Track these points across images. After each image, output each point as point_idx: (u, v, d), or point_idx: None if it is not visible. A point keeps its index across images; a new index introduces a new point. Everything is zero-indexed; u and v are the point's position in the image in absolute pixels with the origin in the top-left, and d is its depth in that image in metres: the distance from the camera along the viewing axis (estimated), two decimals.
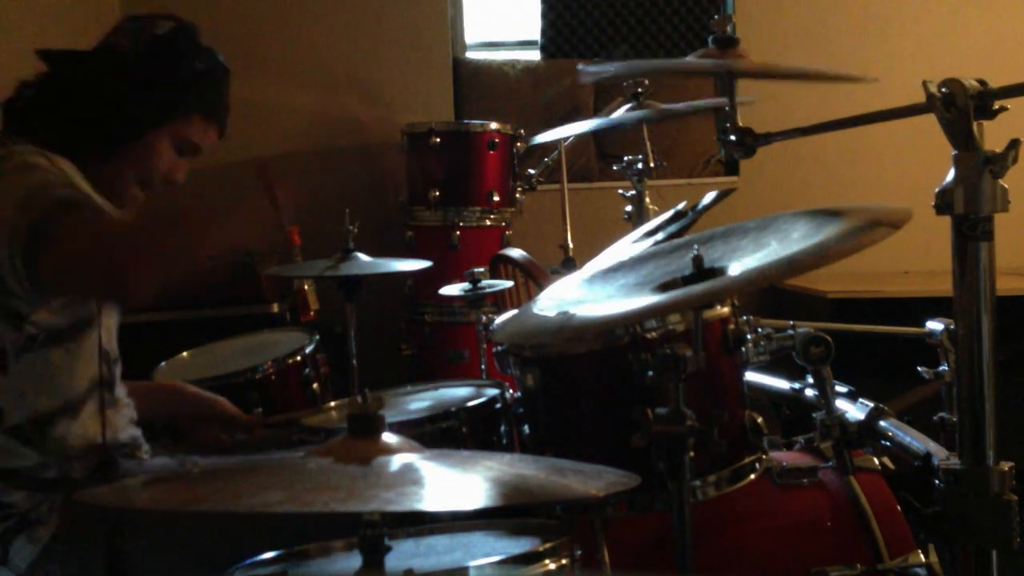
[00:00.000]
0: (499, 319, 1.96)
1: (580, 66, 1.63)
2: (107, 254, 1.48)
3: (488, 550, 1.29)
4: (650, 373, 1.32)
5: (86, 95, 1.69)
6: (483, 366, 2.39)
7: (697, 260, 1.46)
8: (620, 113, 2.63)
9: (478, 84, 4.20)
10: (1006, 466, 1.31)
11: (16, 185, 1.53)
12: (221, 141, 1.85)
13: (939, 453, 1.47)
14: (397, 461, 1.00)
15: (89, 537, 1.61)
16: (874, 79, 1.58)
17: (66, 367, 1.64)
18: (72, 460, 1.65)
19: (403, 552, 1.28)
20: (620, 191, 2.66)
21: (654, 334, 1.47)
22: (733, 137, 1.55)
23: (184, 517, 1.62)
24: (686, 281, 1.46)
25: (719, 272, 1.44)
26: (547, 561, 1.20)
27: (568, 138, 3.18)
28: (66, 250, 1.47)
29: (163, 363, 2.44)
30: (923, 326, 1.69)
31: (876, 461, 1.69)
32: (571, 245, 3.00)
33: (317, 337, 2.48)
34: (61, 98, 1.69)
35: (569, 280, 1.67)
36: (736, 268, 1.42)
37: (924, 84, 1.27)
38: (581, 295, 1.57)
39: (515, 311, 1.59)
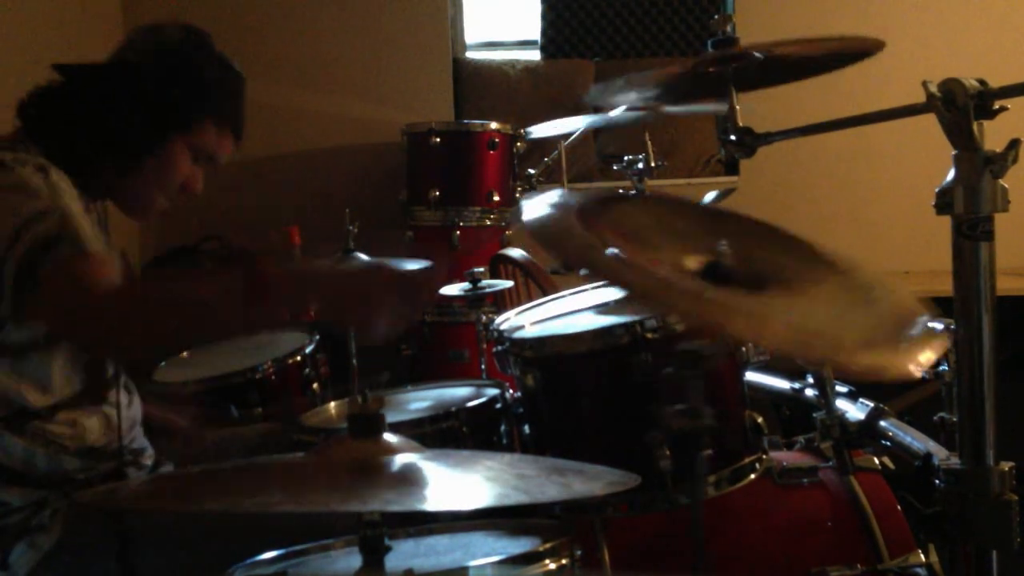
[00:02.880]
0: (502, 318, 1.96)
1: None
2: (90, 304, 1.47)
3: (488, 550, 1.29)
4: (668, 369, 1.30)
5: (102, 109, 1.68)
6: (483, 366, 2.39)
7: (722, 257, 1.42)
8: (619, 112, 2.63)
9: (478, 84, 4.20)
10: (1006, 466, 1.31)
11: (3, 210, 1.52)
12: (216, 164, 1.84)
13: (939, 453, 1.47)
14: (397, 461, 1.00)
15: (92, 549, 1.60)
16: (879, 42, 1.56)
17: (50, 370, 1.62)
18: (63, 454, 1.64)
19: (403, 552, 1.28)
20: (620, 191, 2.66)
21: (654, 334, 1.47)
22: (733, 137, 1.55)
23: (184, 517, 1.62)
24: (703, 271, 1.40)
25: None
26: (547, 561, 1.20)
27: (568, 138, 3.19)
28: (50, 293, 1.48)
29: (163, 363, 2.44)
30: None
31: (876, 461, 1.69)
32: None
33: (317, 337, 2.47)
34: (78, 112, 1.68)
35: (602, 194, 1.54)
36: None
37: (924, 84, 1.27)
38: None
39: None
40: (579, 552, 1.25)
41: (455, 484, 1.01)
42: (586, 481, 1.10)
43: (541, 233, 1.24)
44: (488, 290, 2.36)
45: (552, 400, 1.59)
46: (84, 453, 1.67)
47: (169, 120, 1.72)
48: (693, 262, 1.29)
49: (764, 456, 1.57)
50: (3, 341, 1.57)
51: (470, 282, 2.34)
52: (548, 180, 3.46)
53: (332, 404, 2.07)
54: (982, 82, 1.26)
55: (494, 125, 3.44)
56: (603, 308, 1.63)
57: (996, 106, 1.25)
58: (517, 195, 3.48)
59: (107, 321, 1.47)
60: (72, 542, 1.60)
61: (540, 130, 2.95)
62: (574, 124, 2.86)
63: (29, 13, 3.11)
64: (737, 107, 1.57)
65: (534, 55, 4.42)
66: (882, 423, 1.67)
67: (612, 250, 1.16)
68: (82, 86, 1.70)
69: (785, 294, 1.25)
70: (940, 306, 1.49)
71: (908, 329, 1.21)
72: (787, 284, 1.27)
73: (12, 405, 1.61)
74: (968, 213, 1.27)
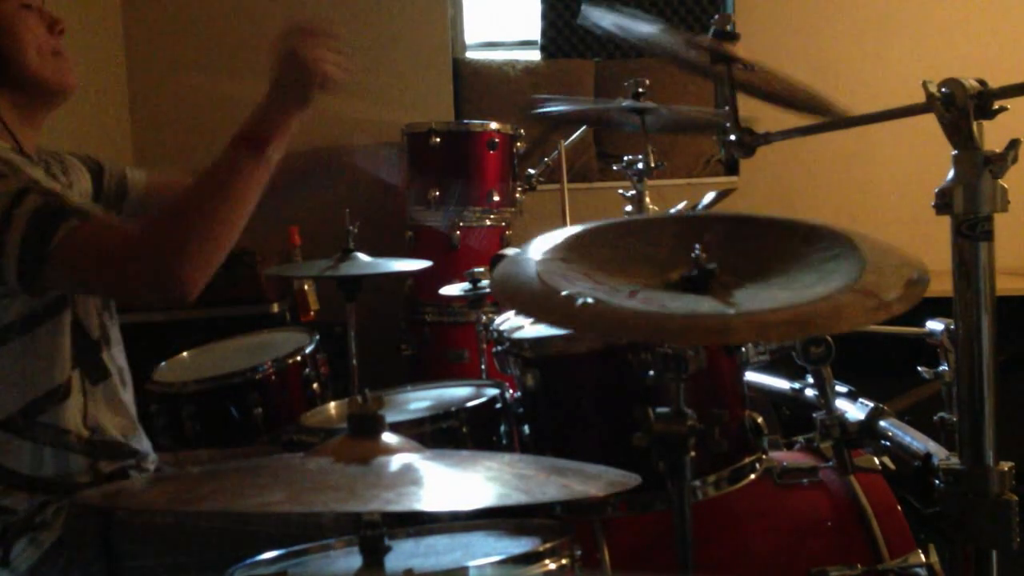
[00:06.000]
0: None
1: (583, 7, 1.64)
2: (143, 257, 1.51)
3: (488, 550, 1.29)
4: (651, 373, 1.32)
5: None
6: (483, 366, 2.40)
7: (699, 263, 1.43)
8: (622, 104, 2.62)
9: (478, 84, 4.20)
10: (1006, 466, 1.31)
11: None
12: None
13: (939, 453, 1.47)
14: (397, 461, 1.00)
15: (93, 546, 1.61)
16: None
17: (47, 351, 1.63)
18: (69, 451, 1.64)
19: (403, 552, 1.28)
20: (620, 191, 2.66)
21: None
22: (733, 137, 1.55)
23: (184, 517, 1.62)
24: (685, 281, 1.42)
25: (721, 277, 1.38)
26: (547, 561, 1.20)
27: (569, 137, 3.19)
28: (76, 266, 1.50)
29: (163, 363, 2.44)
30: (923, 326, 1.69)
31: (876, 461, 1.69)
32: None
33: (317, 337, 2.48)
34: None
35: (570, 234, 1.57)
36: (741, 287, 1.34)
37: (924, 84, 1.27)
38: (583, 263, 1.47)
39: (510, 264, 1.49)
40: (579, 552, 1.25)
41: (455, 484, 1.00)
42: (586, 481, 1.10)
43: (506, 296, 1.34)
44: (488, 290, 2.36)
45: (552, 400, 1.59)
46: (89, 450, 1.67)
47: None
48: (674, 275, 1.32)
49: (764, 456, 1.57)
50: (4, 322, 1.58)
51: (470, 282, 2.34)
52: (548, 180, 3.46)
53: (332, 404, 2.07)
54: (982, 82, 1.26)
55: (494, 125, 3.44)
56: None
57: (996, 106, 1.25)
58: (517, 195, 3.49)
59: (155, 262, 1.50)
60: (73, 539, 1.61)
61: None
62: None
63: None
64: (737, 107, 1.57)
65: (534, 55, 4.42)
66: (882, 423, 1.67)
67: (584, 299, 1.20)
68: None
69: (771, 276, 1.29)
70: (940, 306, 1.49)
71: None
72: (769, 266, 1.30)
73: (25, 394, 1.61)
74: (968, 213, 1.27)
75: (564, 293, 1.22)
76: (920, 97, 1.28)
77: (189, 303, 1.55)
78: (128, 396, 1.80)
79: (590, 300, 1.21)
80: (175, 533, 1.62)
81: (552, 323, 1.42)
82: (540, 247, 1.41)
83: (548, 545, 1.22)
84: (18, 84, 1.70)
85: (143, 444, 1.80)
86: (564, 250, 1.40)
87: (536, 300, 1.25)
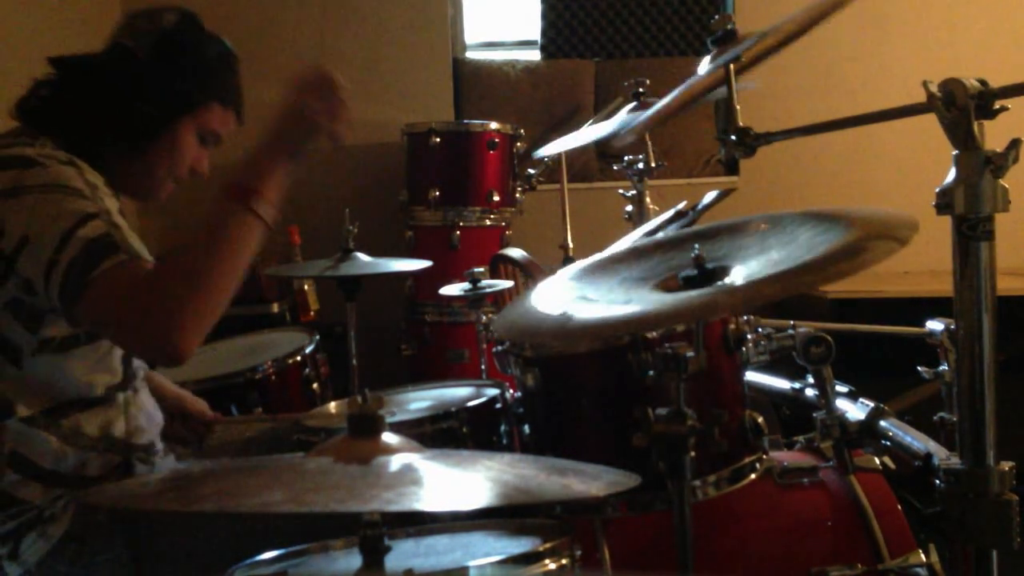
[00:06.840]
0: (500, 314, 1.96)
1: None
2: (147, 313, 1.49)
3: (488, 550, 1.29)
4: (651, 373, 1.32)
5: (103, 98, 1.68)
6: (483, 366, 2.40)
7: (698, 260, 1.45)
8: (621, 114, 2.62)
9: (478, 84, 4.20)
10: (1006, 466, 1.31)
11: (50, 211, 1.51)
12: (221, 143, 1.86)
13: (939, 453, 1.47)
14: (397, 461, 1.00)
15: (100, 538, 1.61)
16: None
17: (79, 371, 1.64)
18: (89, 450, 1.65)
19: (403, 552, 1.28)
20: (620, 191, 2.66)
21: (654, 334, 1.47)
22: (733, 136, 1.55)
23: (185, 517, 1.62)
24: (687, 281, 1.46)
25: (720, 273, 1.43)
26: (547, 561, 1.20)
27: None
28: (104, 303, 1.49)
29: None
30: (923, 326, 1.69)
31: (876, 461, 1.69)
32: (571, 245, 3.00)
33: (317, 337, 2.48)
34: (78, 102, 1.68)
35: (569, 271, 1.64)
36: (738, 273, 1.40)
37: (924, 84, 1.27)
38: (581, 289, 1.54)
39: (513, 304, 1.57)
40: (579, 552, 1.25)
41: (455, 484, 1.00)
42: (586, 481, 1.10)
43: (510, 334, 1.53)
44: (488, 290, 2.36)
45: (552, 400, 1.59)
46: (106, 447, 1.68)
47: (175, 106, 1.73)
48: (674, 283, 1.40)
49: (764, 456, 1.57)
50: (45, 335, 1.59)
51: (470, 282, 2.34)
52: (548, 180, 3.46)
53: (332, 404, 2.07)
54: (982, 82, 1.26)
55: (494, 125, 3.45)
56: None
57: (996, 106, 1.25)
58: (517, 195, 3.49)
59: (153, 315, 1.48)
60: (81, 531, 1.62)
61: (549, 148, 2.91)
62: (581, 138, 2.83)
63: (28, 13, 3.11)
64: (737, 107, 1.56)
65: (534, 55, 4.42)
66: (882, 423, 1.67)
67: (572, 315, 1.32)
68: (82, 77, 1.70)
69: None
70: (940, 306, 1.49)
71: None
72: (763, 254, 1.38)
73: (53, 398, 1.62)
74: (968, 213, 1.27)
75: (556, 314, 1.31)
76: (920, 97, 1.27)
77: (183, 363, 1.53)
78: (147, 396, 1.81)
79: (574, 314, 1.26)
80: (196, 517, 1.63)
81: (553, 342, 1.53)
82: (538, 290, 1.52)
83: (548, 545, 1.22)
84: (133, 178, 1.74)
85: (154, 439, 1.82)
86: (561, 283, 1.51)
87: (534, 326, 1.37)
